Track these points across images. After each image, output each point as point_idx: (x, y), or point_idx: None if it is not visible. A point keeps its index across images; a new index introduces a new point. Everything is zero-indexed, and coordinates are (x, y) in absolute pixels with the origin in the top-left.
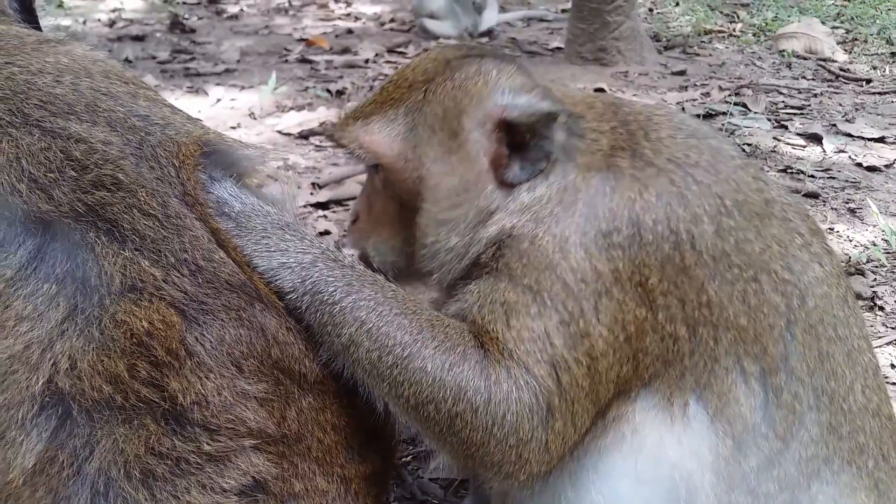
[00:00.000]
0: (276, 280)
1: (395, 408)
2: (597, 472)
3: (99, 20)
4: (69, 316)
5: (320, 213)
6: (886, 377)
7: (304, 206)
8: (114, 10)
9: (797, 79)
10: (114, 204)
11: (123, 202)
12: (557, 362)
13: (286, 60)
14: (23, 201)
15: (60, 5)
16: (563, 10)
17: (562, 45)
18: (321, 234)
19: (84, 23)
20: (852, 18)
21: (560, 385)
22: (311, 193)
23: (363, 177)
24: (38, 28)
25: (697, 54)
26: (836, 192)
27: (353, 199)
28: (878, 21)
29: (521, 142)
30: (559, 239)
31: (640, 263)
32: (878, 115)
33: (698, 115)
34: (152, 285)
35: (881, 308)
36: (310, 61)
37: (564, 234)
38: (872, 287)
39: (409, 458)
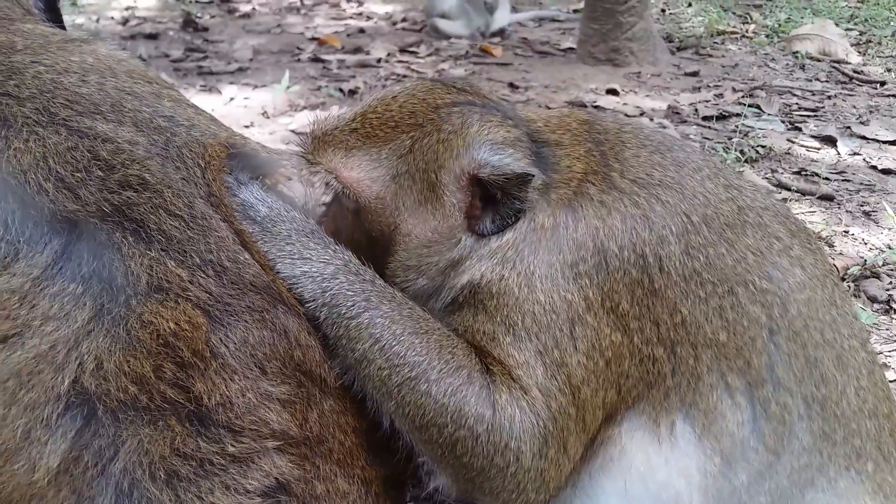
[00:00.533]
0: (297, 288)
1: (401, 426)
2: (587, 494)
3: (112, 18)
4: (95, 316)
5: None
6: None
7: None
8: (127, 9)
9: (811, 81)
10: (140, 204)
11: (150, 202)
12: (544, 390)
13: (298, 59)
14: (49, 200)
15: (74, 3)
16: (576, 11)
17: (574, 46)
18: None
19: (97, 21)
20: (866, 20)
21: (550, 412)
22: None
23: None
24: (63, 27)
25: (710, 55)
26: (850, 194)
27: None
28: (892, 23)
29: (493, 197)
30: (524, 275)
31: (610, 290)
32: (893, 117)
33: (712, 117)
34: (178, 286)
35: None
36: (322, 60)
37: (530, 270)
38: (888, 290)
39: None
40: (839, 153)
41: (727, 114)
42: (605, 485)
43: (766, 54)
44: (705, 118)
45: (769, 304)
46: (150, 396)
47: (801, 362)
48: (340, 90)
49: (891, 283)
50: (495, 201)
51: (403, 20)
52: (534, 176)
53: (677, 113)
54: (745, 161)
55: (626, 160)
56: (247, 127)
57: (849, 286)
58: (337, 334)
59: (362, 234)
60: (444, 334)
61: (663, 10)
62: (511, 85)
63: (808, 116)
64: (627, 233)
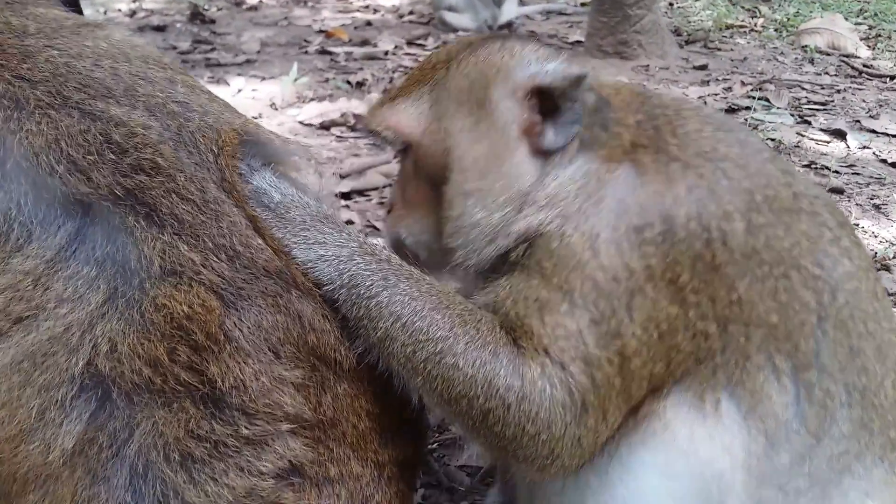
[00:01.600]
0: (314, 272)
1: (430, 401)
2: (625, 467)
3: (119, 10)
4: (109, 299)
5: (342, 203)
6: None
7: (328, 196)
8: (134, 1)
9: (820, 74)
10: (153, 188)
11: (162, 186)
12: (590, 360)
13: (306, 52)
14: (62, 182)
15: None
16: (583, 4)
17: (582, 39)
18: None
19: (105, 13)
20: (875, 14)
21: (594, 382)
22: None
23: (385, 167)
24: (80, 12)
25: (719, 49)
26: (860, 188)
27: (375, 189)
28: None
29: (552, 108)
30: (588, 236)
31: (673, 261)
32: None
33: (721, 110)
34: (191, 270)
35: None
36: (329, 53)
37: (594, 231)
38: None
39: (435, 446)
40: (849, 146)
41: (736, 107)
42: (644, 458)
43: (774, 48)
44: (718, 111)
45: (819, 291)
46: (165, 379)
47: (844, 350)
48: (348, 82)
49: None
50: (553, 113)
51: (411, 13)
52: (587, 75)
53: None
54: None
55: (688, 134)
56: (255, 118)
57: None
58: (358, 315)
59: (423, 182)
60: (466, 308)
61: (671, 4)
62: None
63: (818, 110)
64: (693, 203)
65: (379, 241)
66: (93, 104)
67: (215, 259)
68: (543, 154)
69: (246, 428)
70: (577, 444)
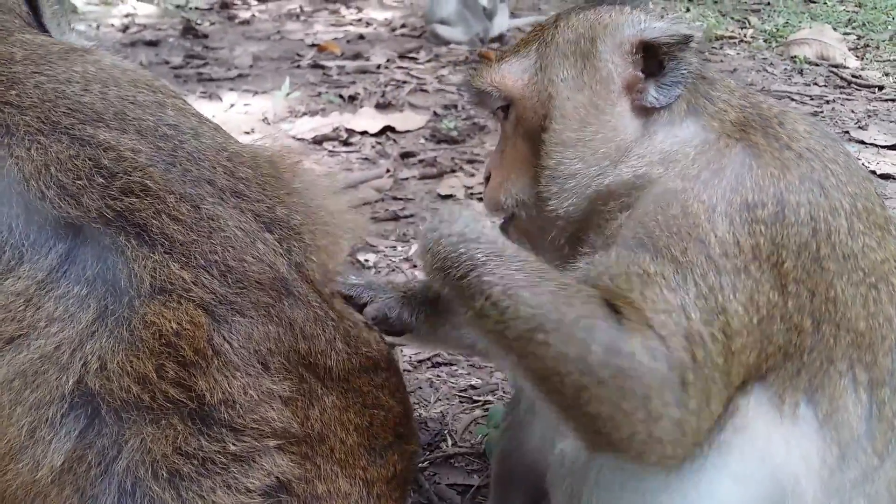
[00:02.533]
0: (429, 251)
1: (524, 378)
2: (696, 465)
3: (112, 25)
4: (99, 317)
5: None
6: None
7: None
8: (127, 16)
9: (809, 85)
10: (143, 209)
11: (152, 207)
12: (692, 336)
13: (298, 66)
14: (52, 207)
15: (74, 10)
16: None
17: None
18: None
19: (98, 28)
20: (864, 24)
21: (695, 361)
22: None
23: (377, 182)
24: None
25: (709, 60)
26: None
27: (367, 204)
28: (889, 27)
29: (656, 66)
30: (709, 206)
31: (780, 244)
32: (891, 122)
33: None
34: (181, 287)
35: None
36: (322, 66)
37: (713, 202)
38: None
39: (426, 464)
40: None
41: None
42: (723, 457)
43: (764, 59)
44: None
45: None
46: (153, 396)
47: None
48: (340, 96)
49: None
50: (657, 72)
51: (403, 26)
52: (695, 36)
53: None
54: None
55: (797, 131)
56: (247, 133)
57: None
58: (461, 285)
59: (523, 139)
60: (564, 280)
61: (661, 16)
62: None
63: None
64: (805, 192)
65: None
66: (82, 129)
67: (207, 275)
68: (645, 112)
69: (233, 444)
70: (678, 428)
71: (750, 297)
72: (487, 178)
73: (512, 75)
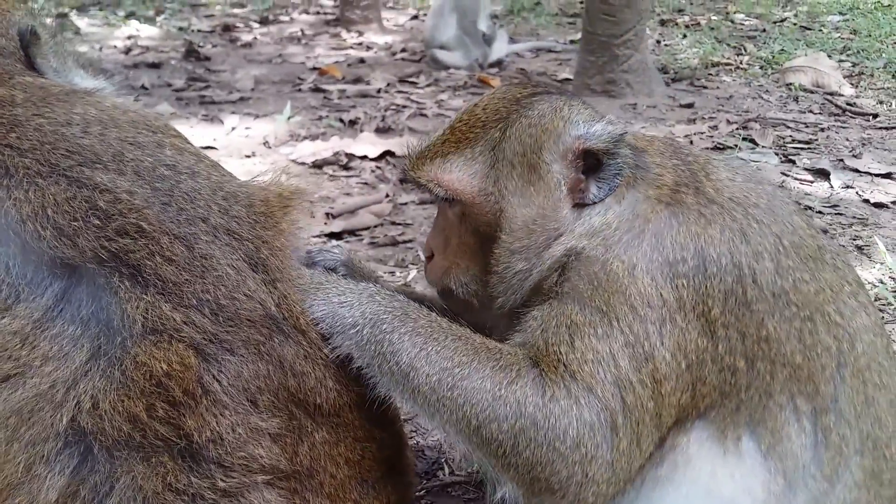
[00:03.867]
0: (337, 321)
1: (458, 433)
2: (648, 499)
3: (115, 47)
4: (93, 357)
5: (334, 243)
6: None
7: (318, 236)
8: (129, 37)
9: (804, 113)
10: (137, 251)
11: (146, 248)
12: (622, 383)
13: (299, 89)
14: (49, 247)
15: (77, 32)
16: (572, 41)
17: (570, 77)
18: None
19: (100, 49)
20: (859, 52)
21: (625, 405)
22: (325, 223)
23: (376, 207)
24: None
25: (705, 87)
26: (843, 228)
27: (366, 228)
28: (884, 55)
29: (595, 164)
30: (628, 264)
31: (704, 294)
32: (885, 150)
33: (707, 149)
34: (172, 328)
35: None
36: (323, 90)
37: (633, 261)
38: None
39: (422, 493)
40: (832, 186)
41: (722, 146)
42: (666, 492)
43: (759, 86)
44: (701, 150)
45: (840, 338)
46: (144, 434)
47: (861, 399)
48: (341, 120)
49: (882, 318)
50: (597, 170)
51: (403, 50)
52: (626, 133)
53: None
54: None
55: (721, 181)
56: (248, 157)
57: None
58: (381, 351)
59: (470, 234)
60: (485, 340)
61: (658, 42)
62: None
63: (802, 149)
64: (726, 243)
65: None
66: (80, 171)
67: (198, 315)
68: (584, 205)
69: (222, 480)
70: (611, 468)
71: (677, 344)
72: (429, 257)
73: (460, 179)
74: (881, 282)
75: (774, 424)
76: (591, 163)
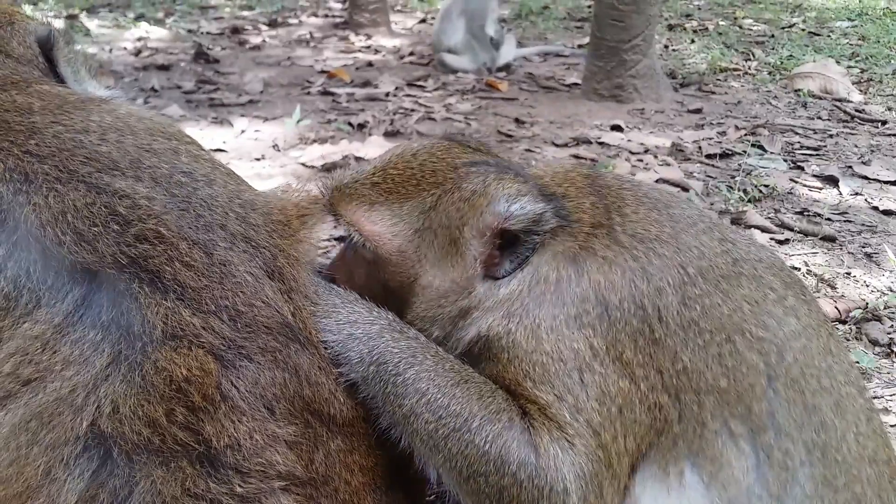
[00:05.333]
0: (344, 352)
1: (448, 479)
2: None
3: (125, 49)
4: (113, 362)
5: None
6: None
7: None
8: (139, 39)
9: (813, 119)
10: (156, 256)
11: (165, 254)
12: (569, 438)
13: (308, 92)
14: (69, 252)
15: (87, 34)
16: (580, 46)
17: (578, 81)
18: None
19: (110, 51)
20: (867, 58)
21: (586, 450)
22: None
23: None
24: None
25: (713, 92)
26: (852, 235)
27: None
28: (892, 61)
29: (514, 240)
30: (530, 328)
31: (613, 339)
32: (894, 157)
33: (715, 155)
34: (192, 333)
35: None
36: (331, 93)
37: (535, 323)
38: (889, 333)
39: (432, 498)
40: (841, 193)
41: (730, 152)
42: None
43: (768, 91)
44: (709, 156)
45: (766, 352)
46: (163, 439)
47: (799, 408)
48: (350, 124)
49: (892, 326)
50: (513, 245)
51: (411, 54)
52: (547, 210)
53: (681, 150)
54: (749, 201)
55: (627, 215)
56: (258, 160)
57: (850, 329)
58: (385, 391)
59: (377, 283)
60: (482, 381)
61: (666, 47)
62: (517, 120)
63: (811, 155)
64: (627, 286)
65: None
66: (98, 177)
67: (217, 321)
68: (494, 279)
69: (240, 486)
70: None
71: (601, 391)
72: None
73: (382, 233)
74: (890, 290)
75: (713, 452)
76: (510, 238)
